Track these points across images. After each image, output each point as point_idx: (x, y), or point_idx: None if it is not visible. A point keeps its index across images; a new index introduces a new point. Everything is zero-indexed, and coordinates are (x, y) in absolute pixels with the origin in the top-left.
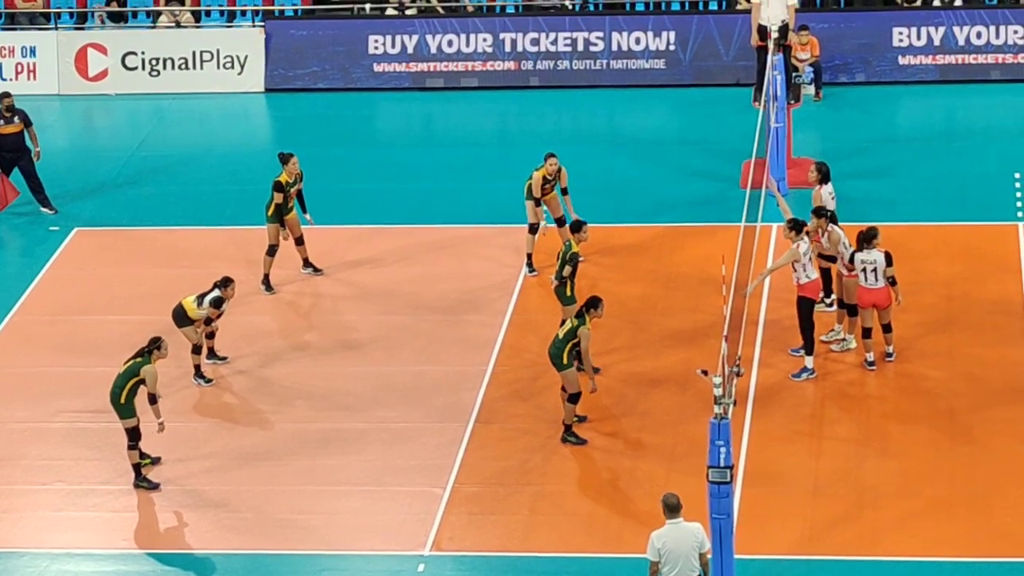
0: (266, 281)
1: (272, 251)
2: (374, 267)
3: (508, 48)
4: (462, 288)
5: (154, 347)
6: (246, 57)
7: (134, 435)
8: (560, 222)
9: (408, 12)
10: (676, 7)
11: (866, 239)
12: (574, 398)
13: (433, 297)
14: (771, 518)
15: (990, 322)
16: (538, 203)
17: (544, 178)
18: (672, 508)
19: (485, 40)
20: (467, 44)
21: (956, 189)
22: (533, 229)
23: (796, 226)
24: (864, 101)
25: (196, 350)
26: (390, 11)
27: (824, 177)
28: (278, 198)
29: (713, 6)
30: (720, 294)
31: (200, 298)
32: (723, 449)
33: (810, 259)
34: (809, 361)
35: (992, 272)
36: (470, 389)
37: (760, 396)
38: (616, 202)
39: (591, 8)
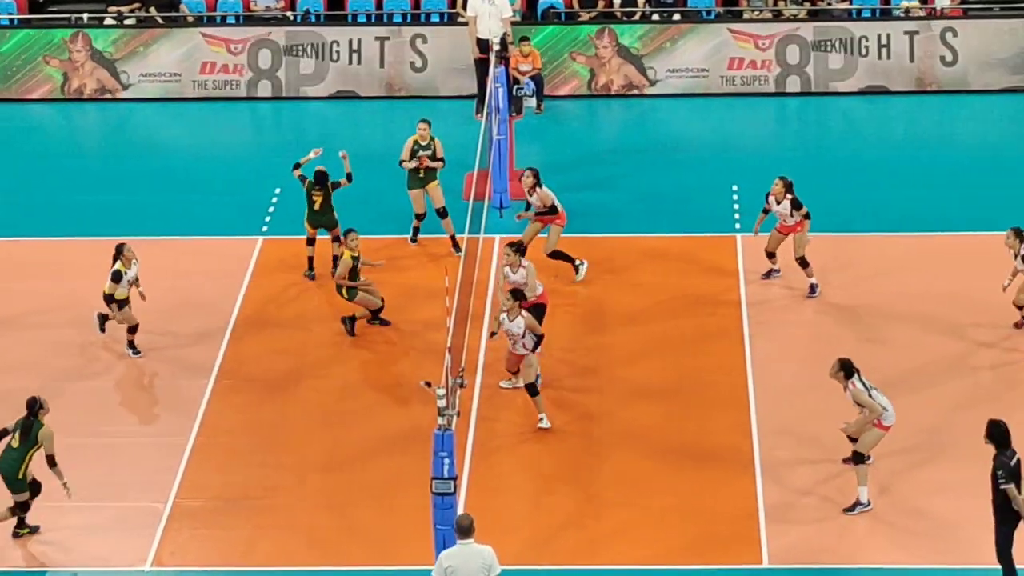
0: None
1: None
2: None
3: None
4: (179, 300)
5: (39, 407)
6: None
7: (25, 507)
8: (440, 213)
9: None
10: (398, 20)
11: None
12: None
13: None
14: (495, 528)
15: (693, 326)
16: (421, 184)
17: (417, 143)
18: (463, 530)
19: None
20: None
21: (677, 201)
22: (419, 217)
23: (519, 248)
24: (586, 114)
25: (132, 330)
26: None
27: (538, 179)
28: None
29: (435, 19)
30: (445, 305)
31: (113, 280)
32: (447, 460)
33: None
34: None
35: (708, 278)
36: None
37: (483, 406)
38: (352, 216)
39: (313, 19)
